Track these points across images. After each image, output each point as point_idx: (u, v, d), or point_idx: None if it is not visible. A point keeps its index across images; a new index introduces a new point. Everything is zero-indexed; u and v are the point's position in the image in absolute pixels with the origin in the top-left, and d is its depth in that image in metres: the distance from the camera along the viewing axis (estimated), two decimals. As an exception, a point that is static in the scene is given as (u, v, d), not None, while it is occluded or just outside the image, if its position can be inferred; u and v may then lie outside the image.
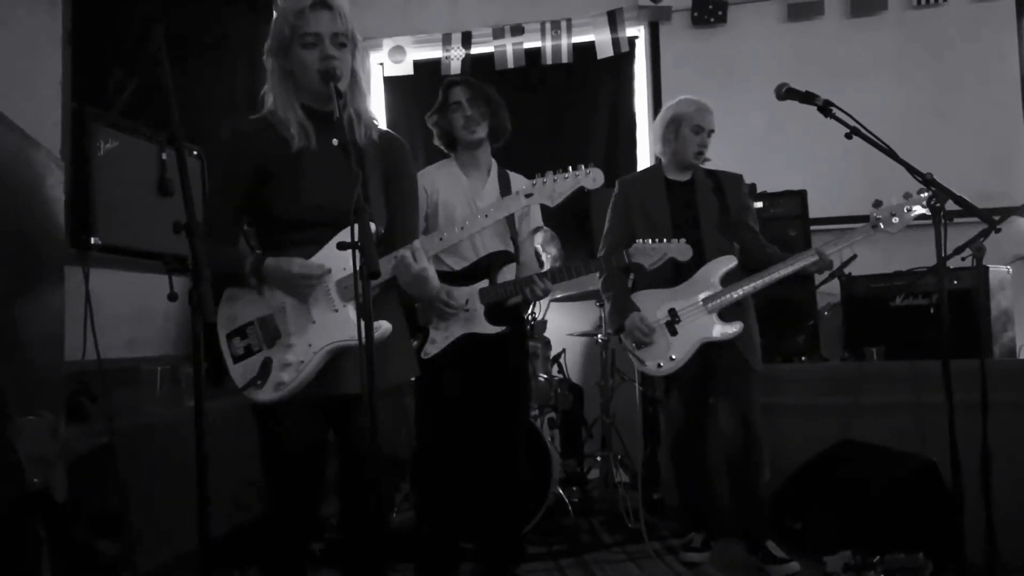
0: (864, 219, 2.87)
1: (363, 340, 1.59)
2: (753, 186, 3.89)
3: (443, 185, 2.92)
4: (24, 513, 1.75)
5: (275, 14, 1.97)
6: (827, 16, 4.96)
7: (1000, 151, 4.68)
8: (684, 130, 3.14)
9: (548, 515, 3.55)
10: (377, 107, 5.60)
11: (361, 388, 1.90)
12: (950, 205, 2.37)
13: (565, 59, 5.25)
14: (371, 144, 2.02)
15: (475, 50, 5.33)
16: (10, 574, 1.83)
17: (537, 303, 4.15)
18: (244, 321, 1.98)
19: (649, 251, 2.77)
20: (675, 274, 3.08)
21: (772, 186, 4.03)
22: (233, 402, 2.19)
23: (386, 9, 5.50)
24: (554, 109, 5.31)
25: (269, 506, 2.01)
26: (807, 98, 2.51)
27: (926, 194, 2.57)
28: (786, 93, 2.61)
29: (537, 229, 3.11)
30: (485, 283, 2.79)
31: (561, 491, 3.75)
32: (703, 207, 3.17)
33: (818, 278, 3.63)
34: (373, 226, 1.91)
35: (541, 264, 4.11)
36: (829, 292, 4.00)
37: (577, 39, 5.24)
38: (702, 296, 3.05)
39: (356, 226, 1.62)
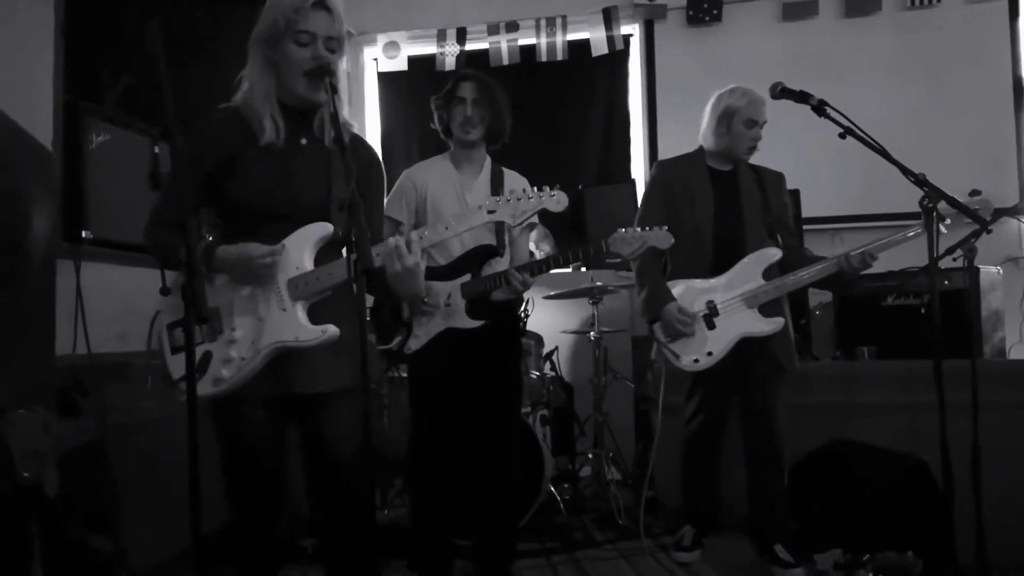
0: (865, 218, 2.86)
1: (360, 334, 1.58)
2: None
3: (433, 181, 2.91)
4: (15, 509, 1.75)
5: (268, 3, 1.94)
6: (821, 16, 4.98)
7: (992, 152, 4.70)
8: (737, 125, 3.04)
9: (540, 512, 3.55)
10: (371, 102, 5.59)
11: (310, 387, 1.90)
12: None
13: (560, 56, 5.25)
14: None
15: (470, 46, 5.33)
16: (2, 570, 1.82)
17: (529, 301, 4.16)
18: None
19: (629, 239, 2.62)
20: (713, 265, 3.01)
21: (765, 185, 4.03)
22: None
23: (381, 4, 5.50)
24: (549, 106, 5.31)
25: (231, 508, 1.98)
26: (801, 97, 2.51)
27: (977, 197, 2.58)
28: (780, 92, 2.61)
29: (532, 226, 3.10)
30: (467, 277, 2.78)
31: (553, 488, 3.75)
32: (746, 198, 3.08)
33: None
34: (331, 227, 1.89)
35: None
36: (821, 291, 4.01)
37: (572, 36, 5.25)
38: (743, 289, 2.96)
39: (351, 220, 1.60)
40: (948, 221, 2.59)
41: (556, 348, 4.49)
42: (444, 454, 2.87)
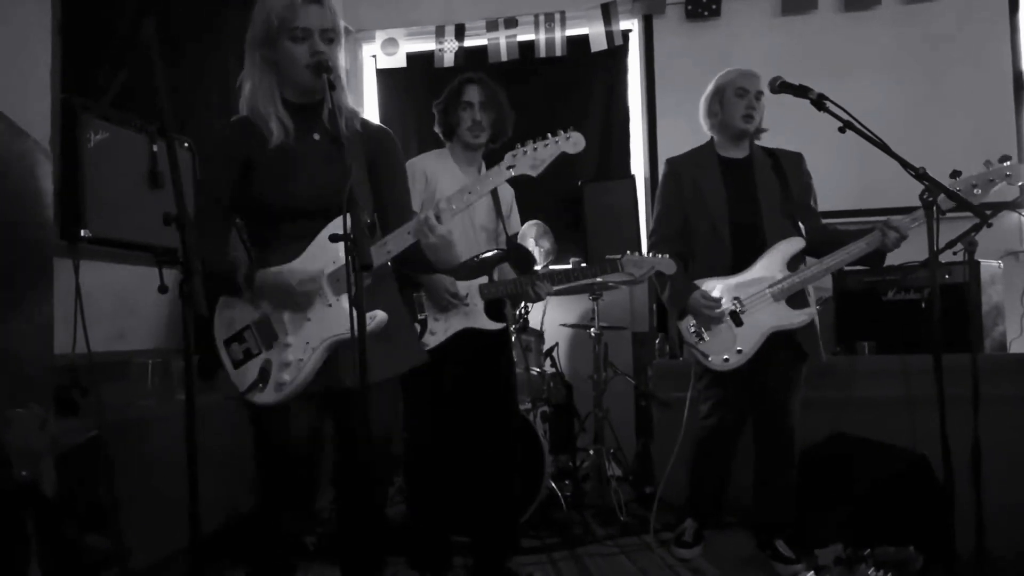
0: (863, 212, 2.85)
1: (355, 331, 1.58)
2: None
3: (442, 175, 2.92)
4: (12, 507, 1.74)
5: (258, 3, 1.94)
6: (821, 10, 4.96)
7: (992, 145, 4.68)
8: (727, 95, 2.99)
9: (540, 508, 3.55)
10: (369, 99, 5.58)
11: (369, 378, 1.91)
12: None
13: (559, 52, 5.23)
14: (355, 134, 2.00)
15: (468, 42, 5.31)
16: (-1, 569, 1.82)
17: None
18: (241, 326, 1.97)
19: (638, 263, 2.79)
20: (732, 262, 2.96)
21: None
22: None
23: (379, 1, 5.49)
24: (548, 102, 5.29)
25: (263, 500, 2.00)
26: (801, 92, 2.50)
27: (1008, 163, 2.52)
28: (780, 87, 2.60)
29: (515, 235, 3.11)
30: (484, 279, 2.80)
31: (553, 484, 3.75)
32: (762, 186, 3.00)
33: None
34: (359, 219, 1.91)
35: (532, 262, 4.11)
36: (821, 287, 4.01)
37: (571, 32, 5.23)
38: (769, 283, 2.89)
39: (348, 218, 1.60)
40: (979, 191, 2.54)
41: (556, 344, 4.49)
42: (442, 451, 2.87)
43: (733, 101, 2.99)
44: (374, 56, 5.53)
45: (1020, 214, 4.58)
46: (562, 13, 5.20)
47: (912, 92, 4.80)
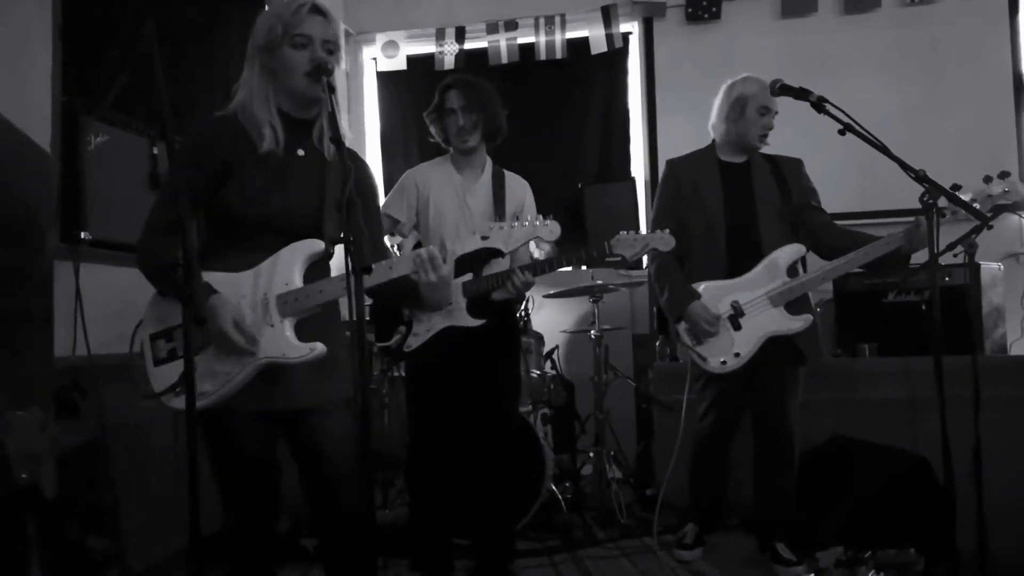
0: (862, 215, 2.85)
1: (356, 336, 1.57)
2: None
3: (435, 183, 2.92)
4: (13, 509, 1.74)
5: (266, 9, 1.95)
6: (820, 12, 4.97)
7: (992, 147, 4.69)
8: (750, 111, 2.98)
9: (541, 511, 3.55)
10: (370, 102, 5.59)
11: (295, 403, 1.89)
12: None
13: (559, 55, 5.24)
14: (336, 157, 1.98)
15: (468, 45, 5.32)
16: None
17: (530, 300, 4.16)
18: (172, 323, 1.90)
19: (631, 242, 2.63)
20: (728, 265, 2.96)
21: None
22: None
23: (380, 4, 5.49)
24: (548, 105, 5.30)
25: (226, 517, 1.97)
26: (801, 94, 2.49)
27: (1007, 179, 2.52)
28: (780, 89, 2.60)
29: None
30: (469, 276, 2.77)
31: (554, 487, 3.75)
32: (759, 191, 3.01)
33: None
34: (322, 244, 1.90)
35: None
36: (821, 289, 4.01)
37: (571, 34, 5.24)
38: (768, 288, 2.90)
39: (347, 220, 1.60)
40: (978, 206, 2.50)
41: (557, 347, 4.49)
42: (443, 453, 2.87)
43: (754, 118, 2.99)
44: (375, 59, 5.53)
45: (1020, 216, 4.58)
46: (562, 16, 5.20)
47: (912, 94, 4.80)
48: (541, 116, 5.26)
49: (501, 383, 2.96)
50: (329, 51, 1.90)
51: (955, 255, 2.56)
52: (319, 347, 1.84)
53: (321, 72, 1.82)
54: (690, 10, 5.10)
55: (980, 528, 2.30)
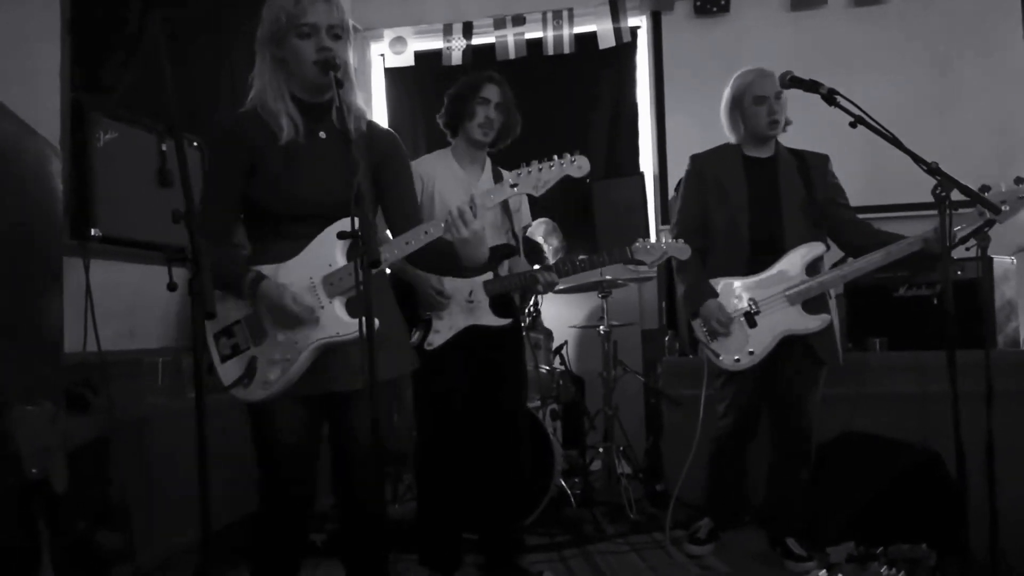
0: (872, 208, 2.81)
1: (364, 330, 1.58)
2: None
3: (440, 174, 2.91)
4: (23, 504, 1.75)
5: (267, 2, 1.94)
6: (831, 5, 4.94)
7: (1005, 140, 4.66)
8: (747, 105, 2.94)
9: (551, 506, 3.55)
10: (378, 98, 5.59)
11: (350, 384, 1.91)
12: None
13: (567, 49, 5.23)
14: (360, 136, 1.99)
15: (476, 40, 5.31)
16: (9, 565, 1.82)
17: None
18: (231, 320, 1.96)
19: (650, 249, 2.73)
20: (749, 261, 2.94)
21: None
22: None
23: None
24: (556, 100, 5.29)
25: (264, 501, 2.00)
26: (811, 86, 2.47)
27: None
28: (790, 82, 2.58)
29: (526, 227, 3.09)
30: (489, 275, 2.78)
31: (563, 482, 3.75)
32: (785, 186, 2.96)
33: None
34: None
35: (542, 256, 4.11)
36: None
37: (579, 29, 5.22)
38: (785, 286, 2.87)
39: (355, 214, 1.60)
40: (1007, 207, 2.52)
41: (566, 342, 4.49)
42: (452, 448, 2.87)
43: (753, 110, 2.94)
44: (382, 55, 5.53)
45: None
46: (570, 10, 5.19)
47: (923, 86, 4.77)
48: (549, 111, 5.24)
49: (509, 378, 2.96)
50: (336, 36, 1.89)
51: (967, 249, 2.54)
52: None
53: (328, 67, 1.82)
54: (699, 3, 5.07)
55: (992, 523, 2.28)
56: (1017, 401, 2.97)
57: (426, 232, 1.91)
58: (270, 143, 1.92)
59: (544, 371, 4.01)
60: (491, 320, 2.76)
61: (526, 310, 3.98)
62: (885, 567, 2.72)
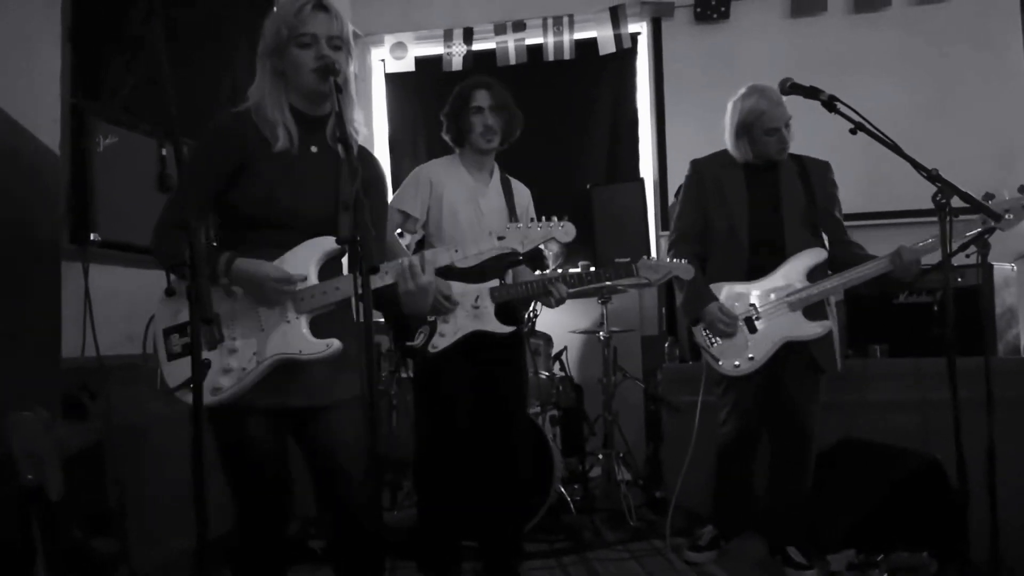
0: (871, 215, 2.82)
1: (366, 337, 1.57)
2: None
3: (449, 183, 2.91)
4: (18, 510, 1.74)
5: (272, 13, 1.94)
6: (830, 12, 4.94)
7: (1005, 147, 4.65)
8: (757, 136, 2.92)
9: (550, 513, 3.53)
10: (378, 103, 5.59)
11: (310, 400, 1.89)
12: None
13: (567, 55, 5.24)
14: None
15: (477, 46, 5.32)
16: (4, 572, 1.81)
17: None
18: (187, 319, 1.84)
19: (655, 267, 2.75)
20: (749, 266, 2.93)
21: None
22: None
23: (388, 5, 5.50)
24: (557, 106, 5.29)
25: (238, 516, 1.98)
26: (812, 93, 2.46)
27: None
28: (790, 88, 2.57)
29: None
30: (496, 282, 2.78)
31: (563, 489, 3.74)
32: (786, 193, 2.96)
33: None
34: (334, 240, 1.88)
35: (543, 261, 4.11)
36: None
37: (579, 35, 5.23)
38: (786, 292, 2.87)
39: (355, 220, 1.60)
40: (1011, 216, 2.54)
41: (565, 348, 4.48)
42: (451, 454, 2.86)
43: (764, 140, 2.92)
44: (383, 60, 5.54)
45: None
46: (570, 16, 5.20)
47: (922, 93, 4.77)
48: (549, 117, 5.24)
49: (510, 385, 2.96)
50: (336, 47, 1.89)
51: (967, 256, 2.54)
52: (335, 344, 1.85)
53: (328, 72, 1.82)
54: (699, 10, 5.08)
55: (993, 531, 2.27)
56: (1018, 408, 2.97)
57: (385, 273, 1.90)
58: (263, 148, 1.90)
59: (544, 377, 4.00)
60: (496, 327, 2.76)
61: (527, 314, 3.97)
62: (886, 575, 2.72)
